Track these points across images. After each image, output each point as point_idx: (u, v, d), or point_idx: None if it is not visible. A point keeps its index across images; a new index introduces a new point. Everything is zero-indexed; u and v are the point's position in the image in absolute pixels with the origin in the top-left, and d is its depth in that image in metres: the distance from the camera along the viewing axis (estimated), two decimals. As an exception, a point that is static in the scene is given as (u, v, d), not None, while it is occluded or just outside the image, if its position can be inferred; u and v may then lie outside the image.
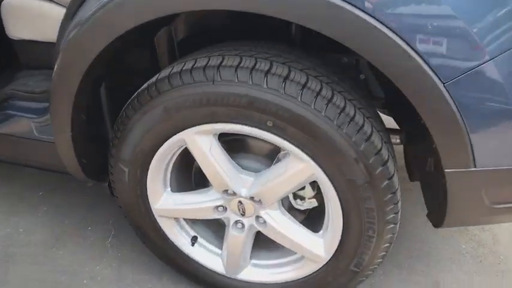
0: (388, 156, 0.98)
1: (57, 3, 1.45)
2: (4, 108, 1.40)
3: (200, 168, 1.21)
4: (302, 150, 0.96)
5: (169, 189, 1.21)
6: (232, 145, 1.13)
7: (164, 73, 0.99)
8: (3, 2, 1.52)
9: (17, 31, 1.56)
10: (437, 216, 1.08)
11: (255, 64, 0.92)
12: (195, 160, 1.22)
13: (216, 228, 1.32)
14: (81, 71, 1.00)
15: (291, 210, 1.19)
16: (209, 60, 0.95)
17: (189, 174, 1.28)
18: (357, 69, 1.24)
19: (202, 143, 1.04)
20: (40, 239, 1.66)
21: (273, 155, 1.12)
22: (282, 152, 1.08)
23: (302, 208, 1.16)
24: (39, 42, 1.54)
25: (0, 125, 1.40)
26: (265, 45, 1.04)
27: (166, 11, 0.89)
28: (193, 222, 1.30)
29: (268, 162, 1.14)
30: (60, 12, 1.43)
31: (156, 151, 1.08)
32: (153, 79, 1.01)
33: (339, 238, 1.09)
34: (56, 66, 1.04)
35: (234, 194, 1.12)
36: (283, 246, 1.20)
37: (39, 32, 1.52)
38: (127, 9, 0.89)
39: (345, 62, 1.23)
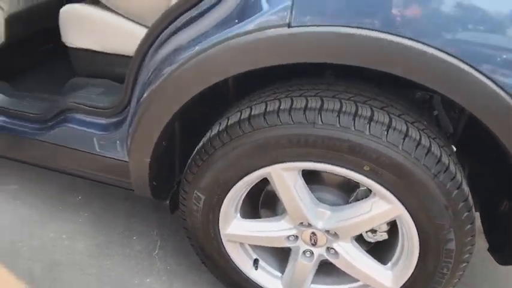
0: (472, 201, 1.01)
1: (119, 14, 1.43)
2: (64, 121, 1.38)
3: (269, 195, 1.22)
4: (393, 193, 0.97)
5: (239, 215, 1.22)
6: (308, 177, 1.14)
7: (259, 110, 0.99)
8: (62, 9, 1.49)
9: (74, 39, 1.53)
10: (508, 253, 1.11)
11: (357, 110, 0.92)
12: (265, 187, 1.23)
13: (277, 252, 1.34)
14: (175, 109, 1.00)
15: (358, 240, 1.21)
16: (307, 102, 0.95)
17: (256, 200, 1.28)
18: (430, 105, 1.25)
19: (288, 178, 1.05)
20: (84, 247, 1.66)
21: (346, 186, 1.14)
22: (362, 188, 1.10)
23: (372, 240, 1.18)
24: (96, 52, 1.52)
25: (60, 138, 1.39)
26: (336, 81, 1.04)
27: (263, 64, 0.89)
28: (256, 245, 1.31)
29: (341, 194, 1.16)
30: (120, 23, 1.42)
31: (238, 182, 1.09)
32: (246, 115, 1.01)
33: (411, 273, 1.12)
34: (146, 100, 1.03)
35: (309, 225, 1.14)
36: (343, 273, 1.23)
37: (98, 42, 1.50)
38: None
39: (419, 98, 1.24)
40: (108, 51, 1.50)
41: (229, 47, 0.88)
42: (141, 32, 1.40)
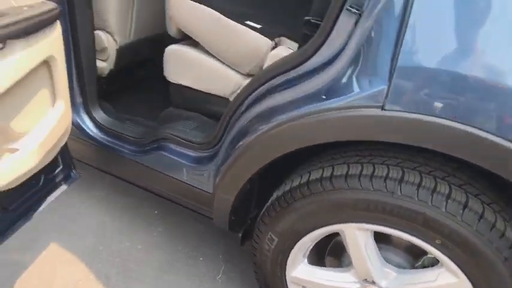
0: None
1: (217, 58, 1.59)
2: (159, 148, 1.55)
3: (337, 245, 1.29)
4: (461, 268, 1.02)
5: (306, 260, 1.30)
6: (378, 235, 1.20)
7: (341, 171, 1.08)
8: (167, 48, 1.68)
9: (174, 75, 1.72)
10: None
11: (436, 186, 0.98)
12: (335, 237, 1.31)
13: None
14: (264, 162, 1.12)
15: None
16: (389, 171, 1.02)
17: (324, 247, 1.36)
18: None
19: (360, 237, 1.12)
20: (155, 260, 1.82)
21: (414, 250, 1.19)
22: (428, 256, 1.14)
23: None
24: (193, 89, 1.69)
25: (154, 162, 1.56)
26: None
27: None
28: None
29: (408, 257, 1.21)
30: (217, 67, 1.58)
31: (311, 232, 1.18)
32: (328, 173, 1.10)
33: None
34: (241, 149, 1.15)
35: (373, 283, 1.19)
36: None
37: (195, 80, 1.67)
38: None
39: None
40: (203, 90, 1.66)
41: (322, 119, 0.98)
42: (234, 77, 1.56)
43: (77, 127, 1.69)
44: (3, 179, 1.20)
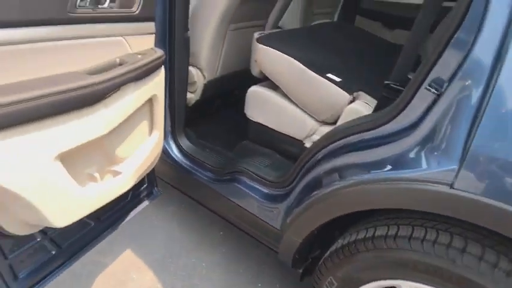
0: None
1: (295, 103, 1.72)
2: (234, 180, 1.71)
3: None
4: None
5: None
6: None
7: (405, 232, 1.15)
8: (250, 88, 1.84)
9: (254, 114, 1.87)
10: None
11: (498, 260, 1.03)
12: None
13: None
14: (336, 215, 1.23)
15: None
16: (452, 239, 1.08)
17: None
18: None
19: (417, 294, 1.18)
20: (218, 280, 1.96)
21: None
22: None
23: None
24: (269, 128, 1.83)
25: (228, 192, 1.72)
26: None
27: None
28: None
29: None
30: (295, 112, 1.70)
31: (370, 282, 1.26)
32: (393, 232, 1.18)
33: None
34: (316, 199, 1.27)
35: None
36: None
37: (272, 121, 1.81)
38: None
39: None
40: (279, 130, 1.80)
41: (394, 188, 1.07)
42: (310, 123, 1.69)
43: (163, 151, 1.89)
44: (107, 196, 1.40)
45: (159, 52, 1.43)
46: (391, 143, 1.12)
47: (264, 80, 1.91)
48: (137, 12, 1.31)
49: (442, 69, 1.02)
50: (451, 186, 0.97)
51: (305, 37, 1.90)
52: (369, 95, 1.55)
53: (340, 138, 1.30)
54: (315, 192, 1.28)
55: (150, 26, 1.41)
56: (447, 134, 0.99)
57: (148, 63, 1.36)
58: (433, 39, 1.30)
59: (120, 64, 1.28)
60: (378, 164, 1.13)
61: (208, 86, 2.07)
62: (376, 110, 1.37)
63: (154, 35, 1.43)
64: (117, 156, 1.44)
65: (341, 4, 2.98)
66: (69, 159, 1.17)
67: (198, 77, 2.01)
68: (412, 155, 1.06)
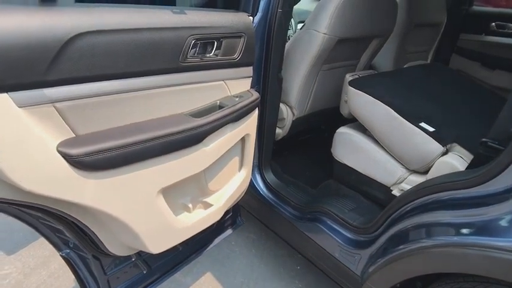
0: None
1: (384, 149, 1.70)
2: (316, 220, 1.73)
3: None
4: None
5: None
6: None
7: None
8: (338, 130, 1.86)
9: (340, 155, 1.89)
10: None
11: None
12: None
13: None
14: (421, 273, 1.20)
15: None
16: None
17: None
18: None
19: None
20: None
21: None
22: None
23: None
24: (355, 170, 1.83)
25: (310, 231, 1.74)
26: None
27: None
28: None
29: None
30: (383, 158, 1.68)
31: None
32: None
33: None
34: (403, 253, 1.25)
35: None
36: None
37: (359, 164, 1.81)
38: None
39: None
40: (365, 174, 1.79)
41: (483, 255, 1.02)
42: (399, 170, 1.66)
43: (250, 184, 1.98)
44: (198, 226, 1.50)
45: (255, 95, 1.52)
46: (485, 206, 1.08)
47: (352, 120, 1.92)
48: (238, 58, 1.41)
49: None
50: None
51: (398, 81, 1.89)
52: (464, 148, 1.49)
53: (431, 193, 1.27)
54: (401, 246, 1.26)
55: (248, 70, 1.51)
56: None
57: (245, 106, 1.45)
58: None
59: (220, 107, 1.39)
60: (469, 227, 1.09)
61: (296, 123, 2.13)
62: (471, 166, 1.32)
63: (251, 78, 1.53)
64: (209, 189, 1.54)
65: (437, 43, 2.90)
66: (168, 190, 1.29)
67: (288, 114, 2.08)
68: (506, 222, 1.01)
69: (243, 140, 1.59)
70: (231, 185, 1.65)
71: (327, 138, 1.98)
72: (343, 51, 2.02)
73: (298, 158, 2.37)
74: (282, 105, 2.07)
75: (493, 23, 2.80)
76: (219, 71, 1.37)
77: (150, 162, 1.16)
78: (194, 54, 1.25)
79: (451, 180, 1.22)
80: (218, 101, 1.40)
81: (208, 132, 1.30)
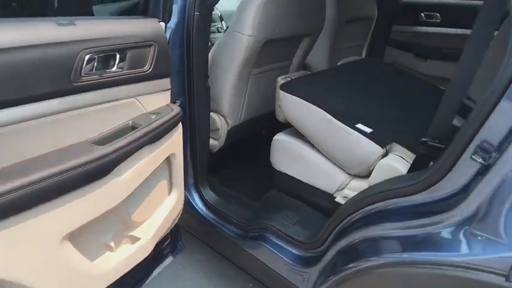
0: None
1: (323, 155, 1.59)
2: (260, 238, 1.58)
3: None
4: None
5: None
6: None
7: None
8: (275, 138, 1.74)
9: (279, 164, 1.76)
10: None
11: None
12: None
13: None
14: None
15: None
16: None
17: None
18: None
19: None
20: None
21: None
22: None
23: None
24: (297, 179, 1.71)
25: (254, 250, 1.60)
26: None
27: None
28: None
29: None
30: (325, 164, 1.57)
31: None
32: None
33: None
34: (353, 274, 1.13)
35: None
36: None
37: (299, 172, 1.69)
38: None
39: None
40: (307, 182, 1.67)
41: (437, 274, 0.91)
42: (340, 176, 1.55)
43: (187, 202, 1.80)
44: (126, 266, 1.31)
45: (176, 109, 1.35)
46: (433, 215, 0.98)
47: (290, 125, 1.80)
48: (150, 70, 1.24)
49: (491, 131, 0.87)
50: (507, 278, 0.81)
51: (332, 81, 1.79)
52: (404, 147, 1.40)
53: (375, 202, 1.17)
54: (351, 265, 1.14)
55: (165, 82, 1.34)
56: (500, 215, 0.84)
57: (164, 123, 1.28)
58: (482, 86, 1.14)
59: (133, 127, 1.21)
60: (419, 242, 0.98)
61: (232, 132, 1.98)
62: (413, 168, 1.23)
63: (169, 91, 1.36)
64: (134, 221, 1.36)
65: (370, 37, 2.86)
66: (80, 232, 1.10)
67: (222, 124, 1.93)
68: (459, 234, 0.91)
69: (168, 160, 1.42)
70: (161, 212, 1.47)
71: (268, 145, 1.84)
72: (273, 53, 1.90)
73: (239, 169, 2.22)
74: (214, 115, 1.91)
75: (422, 13, 2.79)
76: (127, 87, 1.19)
77: (46, 207, 0.96)
78: (91, 71, 1.07)
79: (394, 188, 1.12)
80: (130, 122, 1.22)
81: (119, 160, 1.12)
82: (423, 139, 1.16)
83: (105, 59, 1.10)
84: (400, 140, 1.42)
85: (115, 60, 1.13)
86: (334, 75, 1.89)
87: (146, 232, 1.40)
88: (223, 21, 2.85)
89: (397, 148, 1.41)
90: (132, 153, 1.17)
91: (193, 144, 1.74)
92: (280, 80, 1.81)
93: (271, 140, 1.79)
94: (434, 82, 2.38)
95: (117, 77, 1.14)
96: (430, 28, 2.81)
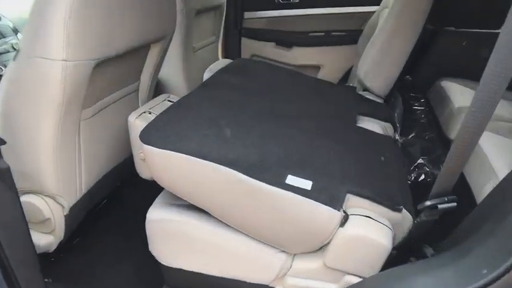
0: None
1: (241, 232, 1.01)
2: None
3: None
4: None
5: None
6: None
7: None
8: (148, 215, 1.10)
9: (170, 258, 1.12)
10: None
11: None
12: None
13: None
14: None
15: None
16: None
17: None
18: None
19: None
20: None
21: None
22: None
23: None
24: (204, 274, 1.09)
25: None
26: None
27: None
28: None
29: None
30: (246, 246, 1.01)
31: None
32: None
33: None
34: None
35: None
36: None
37: (209, 264, 1.08)
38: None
39: None
40: (221, 276, 1.06)
41: None
42: (275, 259, 0.99)
43: None
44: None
45: None
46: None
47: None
48: None
49: None
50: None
51: (214, 111, 1.14)
52: (363, 197, 0.90)
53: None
54: None
55: None
56: None
57: None
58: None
59: None
60: None
61: (72, 215, 1.23)
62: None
63: None
64: None
65: (223, 30, 2.34)
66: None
67: (51, 210, 1.16)
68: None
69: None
70: None
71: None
72: (111, 78, 1.21)
73: (97, 257, 1.42)
74: (35, 200, 1.14)
75: (275, -5, 2.37)
76: None
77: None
78: None
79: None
80: None
81: None
82: (427, 203, 0.68)
83: None
84: (353, 187, 0.91)
85: None
86: (210, 99, 1.24)
87: None
88: (18, 34, 1.97)
89: (357, 202, 0.90)
90: None
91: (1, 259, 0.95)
92: (134, 120, 1.14)
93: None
94: (307, 73, 1.99)
95: None
96: (286, 11, 2.41)
